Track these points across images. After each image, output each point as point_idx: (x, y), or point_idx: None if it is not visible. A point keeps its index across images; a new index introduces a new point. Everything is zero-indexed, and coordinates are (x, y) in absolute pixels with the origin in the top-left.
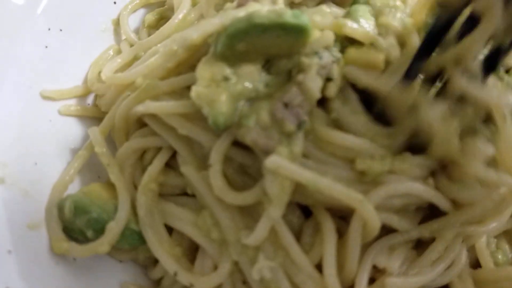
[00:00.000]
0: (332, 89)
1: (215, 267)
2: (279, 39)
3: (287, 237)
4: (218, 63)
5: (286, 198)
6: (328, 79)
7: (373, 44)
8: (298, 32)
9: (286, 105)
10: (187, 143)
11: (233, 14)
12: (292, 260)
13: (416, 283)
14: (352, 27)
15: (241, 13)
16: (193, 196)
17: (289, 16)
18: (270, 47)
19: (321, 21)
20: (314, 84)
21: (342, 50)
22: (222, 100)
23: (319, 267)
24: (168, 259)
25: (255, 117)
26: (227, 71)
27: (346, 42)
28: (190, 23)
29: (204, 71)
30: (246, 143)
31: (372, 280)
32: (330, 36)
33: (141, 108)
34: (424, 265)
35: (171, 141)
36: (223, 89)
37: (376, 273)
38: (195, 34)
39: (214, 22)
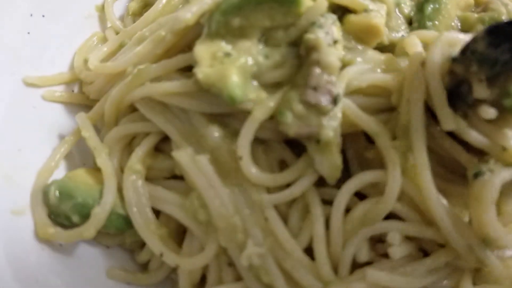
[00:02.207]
0: (340, 51)
1: (202, 248)
2: (273, 10)
3: (276, 222)
4: (214, 42)
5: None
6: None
7: (366, 11)
8: (290, 2)
9: (315, 88)
10: (178, 127)
11: None
12: (281, 245)
13: (398, 283)
14: None
15: None
16: (180, 178)
17: None
18: (264, 20)
19: None
20: (331, 57)
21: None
22: (233, 73)
23: (307, 251)
24: (154, 240)
25: (290, 112)
26: (227, 47)
27: (339, 12)
28: (174, 7)
29: (203, 52)
30: (290, 136)
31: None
32: (323, 3)
33: (139, 92)
34: (418, 270)
35: (162, 126)
36: (228, 64)
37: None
38: (189, 14)
39: (207, 1)
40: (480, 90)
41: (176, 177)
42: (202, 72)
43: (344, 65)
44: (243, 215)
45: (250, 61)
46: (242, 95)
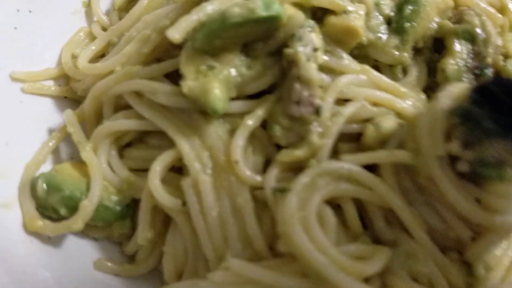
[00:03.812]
0: (320, 58)
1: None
2: (254, 28)
3: (255, 231)
4: (199, 56)
5: None
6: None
7: (346, 12)
8: (271, 21)
9: (298, 102)
10: (177, 125)
11: (208, 9)
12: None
13: (259, 275)
14: None
15: (215, 4)
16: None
17: (261, 9)
18: (246, 36)
19: None
20: (309, 72)
21: (319, 20)
22: (215, 86)
23: None
24: None
25: (278, 126)
26: (210, 61)
27: (320, 12)
28: (159, 3)
29: (188, 66)
30: (284, 146)
31: None
32: (301, 17)
33: (127, 85)
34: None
35: (160, 123)
36: (211, 77)
37: None
38: (177, 34)
39: (192, 19)
40: (455, 147)
41: None
42: (187, 85)
43: (324, 70)
44: (226, 225)
45: (233, 72)
46: (224, 106)
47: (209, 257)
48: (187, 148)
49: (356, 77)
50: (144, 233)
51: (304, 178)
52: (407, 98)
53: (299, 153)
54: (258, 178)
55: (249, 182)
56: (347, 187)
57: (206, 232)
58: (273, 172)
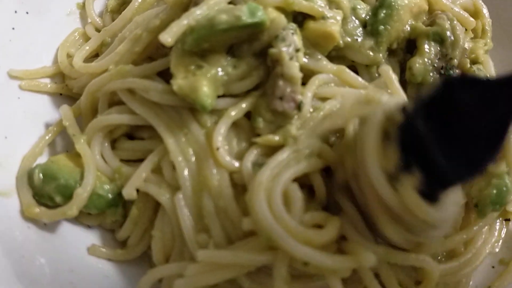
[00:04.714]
0: (301, 58)
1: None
2: (239, 33)
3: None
4: (188, 57)
5: None
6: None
7: (324, 18)
8: (256, 26)
9: (281, 98)
10: (166, 122)
11: (197, 14)
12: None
13: (226, 258)
14: (299, 3)
15: (203, 9)
16: None
17: (246, 16)
18: (232, 39)
19: (272, 0)
20: (292, 70)
21: (299, 24)
22: (204, 84)
23: None
24: None
25: (261, 119)
26: (198, 61)
27: (300, 17)
28: (149, 5)
29: (178, 66)
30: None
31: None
32: (283, 20)
33: (121, 83)
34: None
35: (150, 119)
36: (200, 76)
37: None
38: (169, 38)
39: (183, 24)
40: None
41: None
42: (177, 83)
43: (304, 71)
44: (208, 218)
45: (220, 71)
46: (212, 103)
47: (191, 246)
48: (174, 145)
49: (333, 77)
50: (131, 189)
51: (280, 155)
52: None
53: (274, 138)
54: (237, 164)
55: (229, 167)
56: (316, 162)
57: (189, 223)
58: (250, 156)
